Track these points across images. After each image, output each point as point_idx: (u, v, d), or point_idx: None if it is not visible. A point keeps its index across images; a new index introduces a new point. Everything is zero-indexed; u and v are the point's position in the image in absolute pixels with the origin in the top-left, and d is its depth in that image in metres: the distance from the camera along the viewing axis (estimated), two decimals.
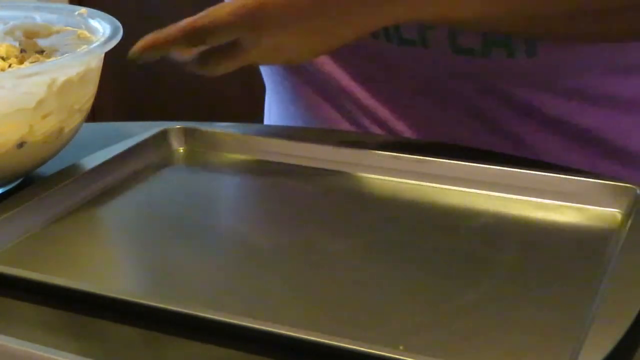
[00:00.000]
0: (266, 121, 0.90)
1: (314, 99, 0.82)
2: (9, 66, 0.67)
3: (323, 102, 0.82)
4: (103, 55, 0.66)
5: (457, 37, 0.72)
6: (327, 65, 0.79)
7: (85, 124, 0.68)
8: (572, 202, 0.61)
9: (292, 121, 0.85)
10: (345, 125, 0.81)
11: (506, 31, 0.70)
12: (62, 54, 0.69)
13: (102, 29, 0.68)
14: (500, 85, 0.75)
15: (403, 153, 0.66)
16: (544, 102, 0.75)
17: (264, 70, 0.86)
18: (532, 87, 0.75)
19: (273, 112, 0.88)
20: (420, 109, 0.79)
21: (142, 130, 0.70)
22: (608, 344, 0.46)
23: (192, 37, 0.64)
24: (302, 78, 0.81)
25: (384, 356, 0.46)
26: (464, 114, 0.77)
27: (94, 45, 0.65)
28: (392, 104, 0.79)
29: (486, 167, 0.64)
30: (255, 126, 0.81)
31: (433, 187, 0.64)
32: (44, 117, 0.62)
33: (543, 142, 0.75)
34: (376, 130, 0.79)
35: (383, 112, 0.80)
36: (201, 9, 0.65)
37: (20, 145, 0.62)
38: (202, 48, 0.66)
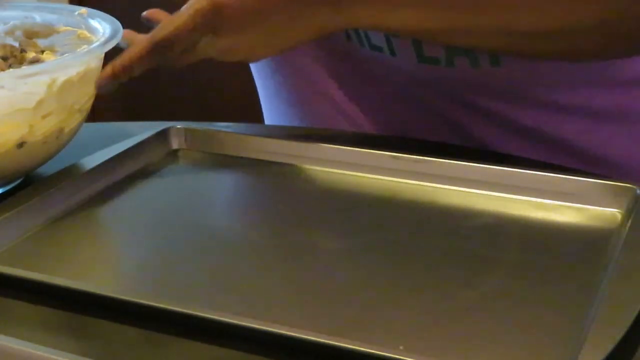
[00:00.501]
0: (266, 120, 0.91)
1: (300, 95, 0.83)
2: (9, 66, 0.67)
3: (309, 98, 0.83)
4: (103, 55, 0.66)
5: (422, 46, 0.72)
6: (307, 66, 0.81)
7: (85, 124, 0.68)
8: (572, 202, 0.61)
9: (283, 117, 0.85)
10: (330, 123, 0.82)
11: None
12: (62, 54, 0.69)
13: (102, 29, 0.68)
14: (469, 95, 0.76)
15: (403, 153, 0.66)
16: (517, 112, 0.76)
17: (253, 67, 0.87)
18: (502, 98, 0.75)
19: (265, 108, 0.89)
20: (393, 113, 0.80)
21: (142, 130, 0.70)
22: (608, 344, 0.46)
23: (157, 52, 0.66)
24: (289, 75, 0.83)
25: (384, 356, 0.46)
26: (436, 120, 0.78)
27: (94, 45, 0.65)
28: (367, 108, 0.81)
29: (486, 167, 0.64)
30: (255, 126, 0.81)
31: (433, 187, 0.64)
32: (44, 117, 0.62)
33: (519, 151, 0.75)
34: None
35: (357, 115, 0.81)
36: None
37: (20, 145, 0.62)
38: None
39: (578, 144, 0.76)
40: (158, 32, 0.66)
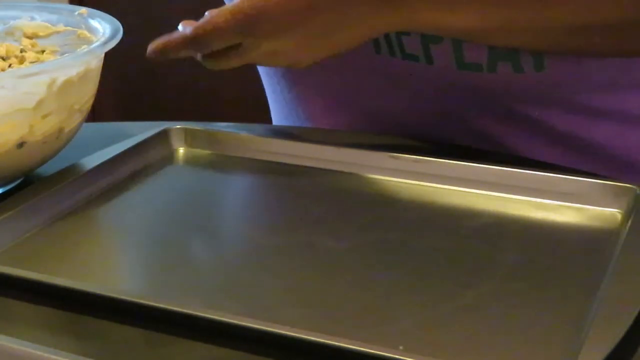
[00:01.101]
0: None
1: (317, 110, 0.82)
2: (9, 66, 0.67)
3: (326, 114, 0.82)
4: (103, 55, 0.66)
5: (463, 52, 0.71)
6: (328, 80, 0.79)
7: (85, 124, 0.68)
8: (572, 202, 0.61)
9: (289, 121, 0.85)
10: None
11: (504, 44, 0.70)
12: (62, 54, 0.69)
13: (102, 29, 0.68)
14: (506, 102, 0.75)
15: (403, 153, 0.66)
16: (552, 118, 0.75)
17: (267, 82, 0.86)
18: (539, 103, 0.74)
19: (272, 111, 0.88)
20: (418, 123, 0.78)
21: (142, 130, 0.70)
22: (608, 344, 0.46)
23: (195, 45, 0.65)
24: (305, 90, 0.81)
25: (384, 356, 0.46)
26: (465, 130, 0.77)
27: (94, 45, 0.65)
28: (389, 123, 0.79)
29: (486, 167, 0.64)
30: (255, 126, 0.81)
31: (433, 187, 0.64)
32: (44, 117, 0.62)
33: (549, 157, 0.74)
34: None
35: (378, 125, 0.80)
36: (200, 9, 0.65)
37: (20, 145, 0.62)
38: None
39: (609, 149, 0.75)
40: (200, 27, 0.64)
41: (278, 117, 0.87)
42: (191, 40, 0.65)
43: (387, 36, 0.73)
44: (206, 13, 0.65)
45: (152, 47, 0.66)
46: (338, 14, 0.65)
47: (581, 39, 0.67)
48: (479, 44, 0.70)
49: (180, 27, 0.65)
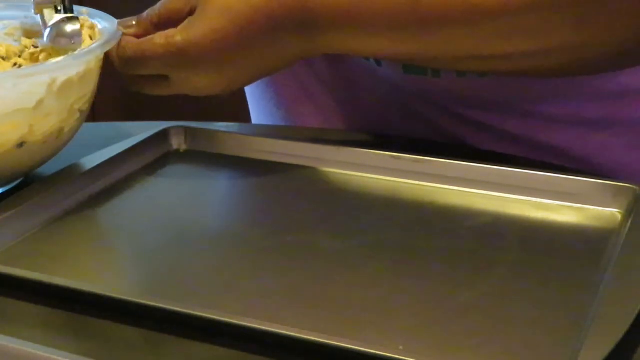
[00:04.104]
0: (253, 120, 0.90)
1: (287, 97, 0.83)
2: (14, 65, 0.67)
3: (296, 101, 0.82)
4: (103, 55, 0.66)
5: None
6: (297, 69, 0.80)
7: (85, 124, 0.68)
8: (572, 202, 0.61)
9: (270, 118, 0.85)
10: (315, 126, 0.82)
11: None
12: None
13: (102, 29, 0.68)
14: (457, 105, 0.75)
15: (403, 153, 0.66)
16: (506, 122, 0.75)
17: None
18: (490, 108, 0.75)
19: (252, 109, 0.89)
20: (384, 120, 0.79)
21: (142, 130, 0.70)
22: (608, 344, 0.46)
23: (124, 64, 0.67)
24: (276, 77, 0.82)
25: (384, 356, 0.46)
26: (427, 128, 0.77)
27: (94, 45, 0.65)
28: (355, 113, 0.80)
29: (486, 167, 0.64)
30: (255, 126, 0.81)
31: (433, 187, 0.64)
32: (44, 117, 0.62)
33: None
34: None
35: (344, 120, 0.80)
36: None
37: (20, 145, 0.62)
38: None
39: (573, 152, 0.75)
40: (130, 48, 0.66)
41: (253, 104, 0.88)
42: (120, 60, 0.67)
43: None
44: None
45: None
46: (267, 47, 0.65)
47: (506, 64, 0.66)
48: None
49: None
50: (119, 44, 0.66)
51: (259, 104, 0.87)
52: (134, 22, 0.69)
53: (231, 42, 0.65)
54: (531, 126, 0.75)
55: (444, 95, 0.75)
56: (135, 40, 0.67)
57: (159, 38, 0.65)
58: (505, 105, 0.75)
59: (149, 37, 0.66)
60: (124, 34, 0.67)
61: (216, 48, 0.65)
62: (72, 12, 0.65)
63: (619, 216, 0.60)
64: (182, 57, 0.65)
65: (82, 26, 0.67)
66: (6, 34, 0.72)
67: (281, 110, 0.84)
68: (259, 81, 0.82)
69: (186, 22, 0.65)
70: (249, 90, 0.88)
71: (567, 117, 0.74)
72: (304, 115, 0.83)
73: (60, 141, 0.65)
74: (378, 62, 0.74)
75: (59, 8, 0.66)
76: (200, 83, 0.67)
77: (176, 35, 0.65)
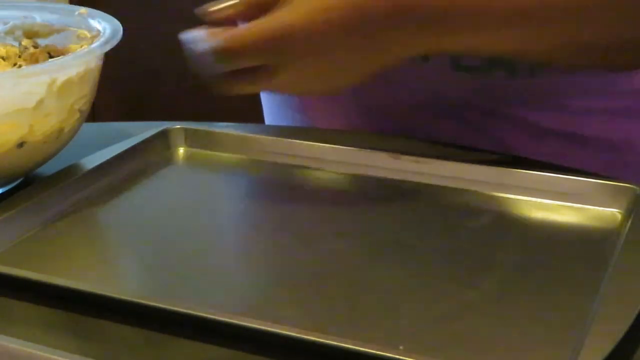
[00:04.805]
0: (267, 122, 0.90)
1: (311, 101, 0.82)
2: (14, 65, 0.67)
3: (321, 105, 0.81)
4: (103, 55, 0.66)
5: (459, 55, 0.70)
6: None
7: (85, 124, 0.68)
8: (572, 202, 0.61)
9: (288, 122, 0.84)
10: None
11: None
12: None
13: (102, 29, 0.68)
14: (500, 102, 0.75)
15: (403, 153, 0.66)
16: (548, 119, 0.75)
17: None
18: (533, 106, 0.75)
19: (268, 112, 0.88)
20: (417, 123, 0.78)
21: (142, 130, 0.70)
22: (608, 344, 0.46)
23: (220, 57, 0.61)
24: None
25: (384, 356, 0.46)
26: (463, 128, 0.77)
27: (94, 45, 0.65)
28: (390, 117, 0.79)
29: (486, 167, 0.64)
30: (255, 126, 0.81)
31: (432, 187, 0.64)
32: (44, 117, 0.62)
33: (550, 155, 0.74)
34: None
35: (378, 124, 0.79)
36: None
37: (20, 145, 0.62)
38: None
39: (600, 140, 0.76)
40: (228, 40, 0.60)
41: (270, 108, 0.86)
42: (216, 53, 0.60)
43: None
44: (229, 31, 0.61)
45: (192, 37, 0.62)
46: (368, 41, 0.61)
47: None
48: None
49: (198, 35, 0.61)
50: (208, 36, 0.60)
51: (278, 107, 0.85)
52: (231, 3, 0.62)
53: (331, 23, 0.60)
54: (574, 121, 0.75)
55: (486, 93, 0.74)
56: (229, 28, 0.61)
57: (254, 26, 0.60)
58: (547, 103, 0.74)
59: (250, 23, 0.61)
60: (211, 23, 0.62)
61: (312, 31, 0.60)
62: None
63: (619, 216, 0.60)
64: (278, 42, 0.60)
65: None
66: (6, 34, 0.72)
67: (302, 114, 0.82)
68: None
69: (288, 4, 0.61)
70: (265, 94, 0.87)
71: (602, 110, 0.75)
72: (325, 119, 0.81)
73: (60, 141, 0.65)
74: (425, 57, 0.71)
75: None
76: (295, 72, 0.62)
77: (270, 22, 0.60)
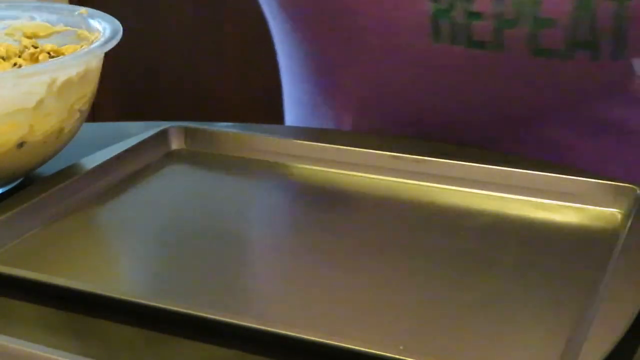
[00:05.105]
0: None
1: (345, 90, 0.79)
2: (14, 65, 0.67)
3: (355, 96, 0.78)
4: (103, 55, 0.66)
5: (539, 38, 0.67)
6: (364, 62, 0.74)
7: (85, 124, 0.68)
8: (572, 202, 0.61)
9: (314, 117, 0.82)
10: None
11: None
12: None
13: (102, 29, 0.68)
14: (561, 92, 0.71)
15: (403, 153, 0.66)
16: (605, 109, 0.73)
17: (290, 59, 0.83)
18: (597, 94, 0.72)
19: (289, 107, 0.86)
20: (476, 124, 0.75)
21: (142, 130, 0.70)
22: (608, 344, 0.46)
23: None
24: (338, 69, 0.77)
25: (384, 356, 0.46)
26: (521, 137, 0.74)
27: (94, 45, 0.65)
28: (434, 117, 0.75)
29: (486, 167, 0.64)
30: (255, 126, 0.81)
31: (432, 187, 0.64)
32: (44, 117, 0.62)
33: (591, 150, 0.73)
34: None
35: (423, 126, 0.75)
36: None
37: (20, 145, 0.62)
38: None
39: None
40: None
41: (297, 113, 0.84)
42: None
43: (453, 22, 0.68)
44: None
45: None
46: None
47: None
48: (556, 28, 0.66)
49: None
50: None
51: (312, 112, 0.83)
52: None
53: None
54: (625, 111, 0.73)
55: (556, 81, 0.70)
56: None
57: None
58: (610, 91, 0.72)
59: None
60: None
61: None
62: None
63: (619, 216, 0.60)
64: None
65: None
66: (6, 34, 0.72)
67: (335, 119, 0.80)
68: (313, 81, 0.78)
69: None
70: (293, 97, 0.85)
71: None
72: (365, 120, 0.79)
73: (60, 141, 0.65)
74: (500, 45, 0.68)
75: None
76: None
77: None
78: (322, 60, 0.79)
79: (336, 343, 0.47)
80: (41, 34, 0.72)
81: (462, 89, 0.74)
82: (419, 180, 0.65)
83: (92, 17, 0.70)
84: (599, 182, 0.61)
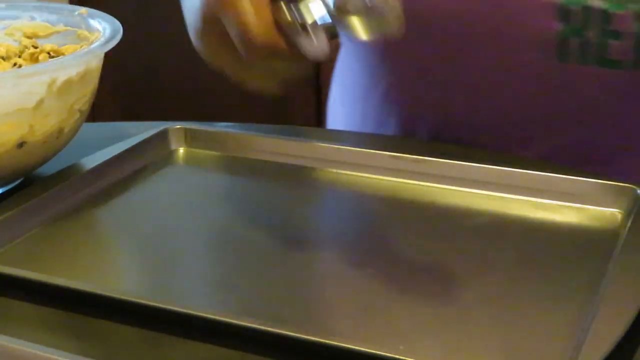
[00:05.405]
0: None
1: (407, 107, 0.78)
2: (14, 65, 0.67)
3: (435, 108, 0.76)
4: (103, 55, 0.66)
5: None
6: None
7: (85, 124, 0.68)
8: (572, 202, 0.61)
9: (377, 122, 0.80)
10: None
11: None
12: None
13: (102, 29, 0.68)
14: (598, 97, 0.70)
15: (403, 153, 0.66)
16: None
17: (342, 79, 0.81)
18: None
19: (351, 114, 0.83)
20: (574, 137, 0.73)
21: (142, 130, 0.70)
22: (608, 344, 0.46)
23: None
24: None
25: (384, 356, 0.46)
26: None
27: (94, 45, 0.65)
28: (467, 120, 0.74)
29: (486, 167, 0.64)
30: (255, 126, 0.81)
31: (432, 187, 0.64)
32: (44, 117, 0.62)
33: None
34: None
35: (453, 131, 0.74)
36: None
37: (20, 145, 0.62)
38: None
39: None
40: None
41: (355, 119, 0.82)
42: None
43: (585, 42, 0.67)
44: None
45: None
46: None
47: None
48: None
49: None
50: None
51: (366, 114, 0.81)
52: None
53: None
54: None
55: (574, 84, 0.69)
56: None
57: None
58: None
59: None
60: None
61: None
62: None
63: (619, 216, 0.60)
64: None
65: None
66: (6, 34, 0.72)
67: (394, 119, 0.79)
68: (377, 93, 0.77)
69: None
70: (345, 105, 0.83)
71: None
72: (416, 125, 0.77)
73: (60, 141, 0.65)
74: (565, 57, 0.67)
75: None
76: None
77: None
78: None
79: (336, 343, 0.47)
80: (41, 34, 0.72)
81: (561, 103, 0.72)
82: (419, 180, 0.65)
83: (92, 17, 0.70)
84: (599, 182, 0.61)
